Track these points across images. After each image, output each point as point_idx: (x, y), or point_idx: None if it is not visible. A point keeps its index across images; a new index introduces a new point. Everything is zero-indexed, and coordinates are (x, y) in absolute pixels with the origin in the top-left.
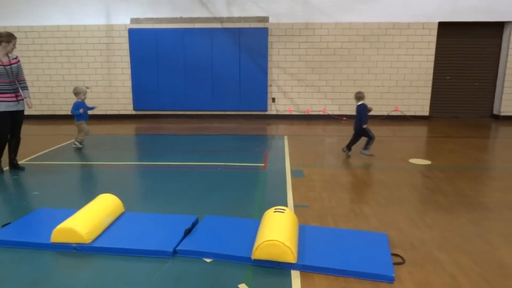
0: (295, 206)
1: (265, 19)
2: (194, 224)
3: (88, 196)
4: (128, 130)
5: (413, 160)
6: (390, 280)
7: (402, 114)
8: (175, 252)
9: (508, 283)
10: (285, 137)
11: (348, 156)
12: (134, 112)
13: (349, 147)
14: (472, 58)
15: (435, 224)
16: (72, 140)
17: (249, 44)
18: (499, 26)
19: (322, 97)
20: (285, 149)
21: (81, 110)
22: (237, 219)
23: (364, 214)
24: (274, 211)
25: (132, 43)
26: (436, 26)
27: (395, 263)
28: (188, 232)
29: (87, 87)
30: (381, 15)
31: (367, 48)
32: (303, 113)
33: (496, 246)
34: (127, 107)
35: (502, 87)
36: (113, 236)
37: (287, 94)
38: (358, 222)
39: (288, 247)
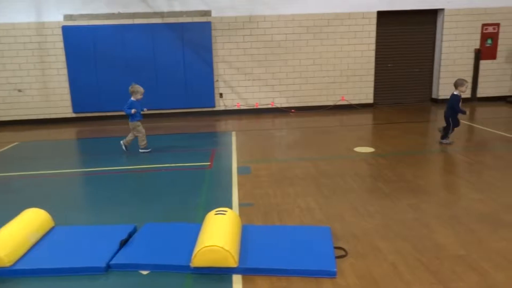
0: (240, 205)
1: (207, 13)
2: (131, 234)
3: (17, 211)
4: (67, 134)
5: (358, 149)
6: (332, 274)
7: (348, 103)
8: (108, 267)
9: (444, 265)
10: (233, 132)
11: (450, 143)
12: (74, 115)
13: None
14: (410, 45)
15: (377, 212)
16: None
17: (192, 39)
18: (432, 14)
19: (270, 90)
20: (233, 146)
21: (132, 111)
22: (178, 224)
23: (309, 208)
24: (215, 214)
25: (67, 41)
26: (375, 15)
27: (338, 257)
28: (124, 243)
29: (20, 90)
30: (323, 6)
31: (310, 39)
32: (252, 107)
33: (434, 229)
34: (65, 110)
35: (439, 72)
36: (39, 256)
37: (234, 88)
38: (303, 216)
39: (228, 251)
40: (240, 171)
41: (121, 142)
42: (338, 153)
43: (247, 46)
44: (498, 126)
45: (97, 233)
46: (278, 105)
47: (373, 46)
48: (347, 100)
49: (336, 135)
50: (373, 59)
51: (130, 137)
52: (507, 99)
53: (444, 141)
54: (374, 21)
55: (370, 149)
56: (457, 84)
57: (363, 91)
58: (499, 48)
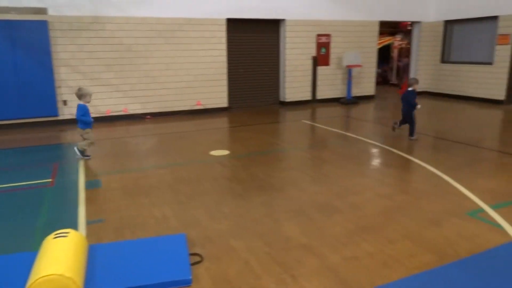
0: (89, 223)
1: (42, 10)
2: None
3: None
4: None
5: (214, 152)
6: (187, 283)
7: (204, 107)
8: None
9: (291, 255)
10: None
11: (394, 129)
12: None
13: (400, 124)
14: (259, 52)
15: (231, 213)
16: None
17: (26, 39)
18: (276, 23)
19: (122, 96)
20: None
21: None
22: (8, 256)
23: (164, 217)
24: (54, 237)
25: None
26: (225, 22)
27: (193, 263)
28: None
29: None
30: (174, 10)
31: (162, 43)
32: (103, 115)
33: (282, 223)
34: None
35: (284, 76)
36: None
37: None
38: (158, 227)
39: (70, 278)
40: (88, 185)
41: (75, 148)
42: (194, 157)
43: (93, 49)
44: (334, 124)
45: None
46: (132, 112)
47: (224, 52)
48: (203, 105)
49: (192, 140)
50: (225, 65)
51: (86, 144)
52: (339, 100)
53: (413, 137)
54: (224, 27)
55: (225, 152)
56: (412, 83)
57: (218, 95)
58: (331, 55)
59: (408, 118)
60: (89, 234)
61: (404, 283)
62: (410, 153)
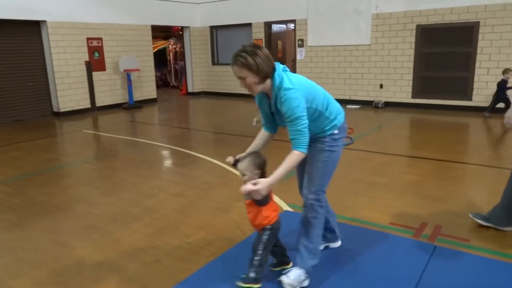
0: None
1: None
2: None
3: None
4: None
5: None
6: None
7: None
8: None
9: (86, 277)
10: None
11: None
12: None
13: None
14: (18, 58)
15: (6, 248)
16: None
17: None
18: (36, 25)
19: None
20: None
21: None
22: None
23: None
24: None
25: None
26: None
27: None
28: None
29: None
30: None
31: None
32: None
33: (72, 245)
34: None
35: (55, 84)
36: None
37: None
38: None
39: None
40: None
41: None
42: None
43: None
44: (119, 131)
45: None
46: None
47: None
48: None
49: None
50: None
51: None
52: (122, 106)
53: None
54: None
55: None
56: (504, 72)
57: None
58: (106, 60)
59: (504, 100)
60: None
61: (200, 273)
62: (195, 150)
